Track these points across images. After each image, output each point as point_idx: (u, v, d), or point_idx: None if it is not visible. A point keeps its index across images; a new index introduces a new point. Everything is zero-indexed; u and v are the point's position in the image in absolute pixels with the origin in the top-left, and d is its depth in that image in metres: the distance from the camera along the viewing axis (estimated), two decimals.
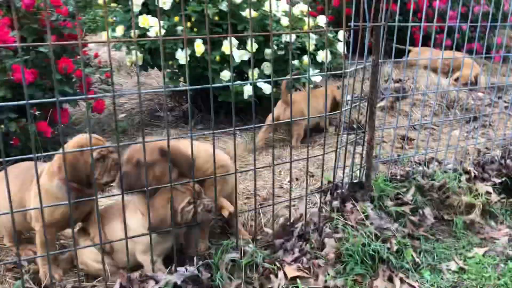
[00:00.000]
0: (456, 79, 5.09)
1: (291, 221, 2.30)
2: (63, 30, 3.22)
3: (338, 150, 2.37)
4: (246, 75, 4.03)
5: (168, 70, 3.89)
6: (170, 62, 3.74)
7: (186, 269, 1.99)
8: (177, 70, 3.88)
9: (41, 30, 3.14)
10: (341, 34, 4.27)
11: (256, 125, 2.08)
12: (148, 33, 3.68)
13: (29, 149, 2.94)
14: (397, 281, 2.14)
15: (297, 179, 2.28)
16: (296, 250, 2.22)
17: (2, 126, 2.74)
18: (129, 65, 4.05)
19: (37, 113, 2.88)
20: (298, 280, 2.02)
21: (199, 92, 4.24)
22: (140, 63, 3.85)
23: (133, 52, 3.79)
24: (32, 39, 3.08)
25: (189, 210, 2.01)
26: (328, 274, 2.12)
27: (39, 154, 1.79)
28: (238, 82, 3.83)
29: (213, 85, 1.89)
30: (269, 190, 2.87)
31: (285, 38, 3.81)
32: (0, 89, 2.67)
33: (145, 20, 3.66)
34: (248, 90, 3.74)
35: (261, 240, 2.32)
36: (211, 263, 2.04)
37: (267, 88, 3.83)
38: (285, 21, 3.93)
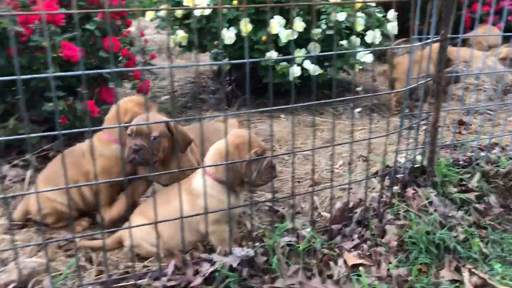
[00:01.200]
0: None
1: (350, 205, 2.18)
2: (111, 7, 3.16)
3: (399, 132, 2.21)
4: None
5: (213, 51, 3.79)
6: (215, 42, 3.64)
7: (242, 251, 1.90)
8: (221, 51, 3.78)
9: (88, 8, 3.09)
10: (391, 13, 4.06)
11: (295, 105, 1.94)
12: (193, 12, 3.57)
13: (76, 128, 2.92)
14: (465, 272, 1.99)
15: (349, 164, 2.16)
16: (355, 236, 2.10)
17: (51, 104, 2.71)
18: (173, 46, 3.96)
19: (84, 91, 2.84)
20: (360, 268, 1.90)
21: (243, 74, 4.13)
22: (184, 43, 3.76)
23: (178, 32, 3.70)
24: (79, 17, 3.03)
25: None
26: (391, 263, 1.99)
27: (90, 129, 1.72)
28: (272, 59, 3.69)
29: (249, 60, 1.75)
30: (320, 174, 2.75)
31: (334, 16, 3.64)
32: (51, 66, 2.62)
33: None
34: (295, 72, 3.61)
35: (317, 224, 2.20)
36: (266, 247, 1.95)
37: (313, 69, 3.68)
38: None
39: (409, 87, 2.21)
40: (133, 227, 1.95)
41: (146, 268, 1.99)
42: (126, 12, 3.36)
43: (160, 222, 1.84)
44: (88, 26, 2.95)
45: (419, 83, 2.27)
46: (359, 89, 4.44)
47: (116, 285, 1.83)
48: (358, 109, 4.00)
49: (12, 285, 1.75)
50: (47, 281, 1.75)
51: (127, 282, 1.85)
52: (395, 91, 3.91)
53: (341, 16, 3.68)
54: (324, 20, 3.70)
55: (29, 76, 1.59)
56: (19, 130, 2.73)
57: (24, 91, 2.77)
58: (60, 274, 1.88)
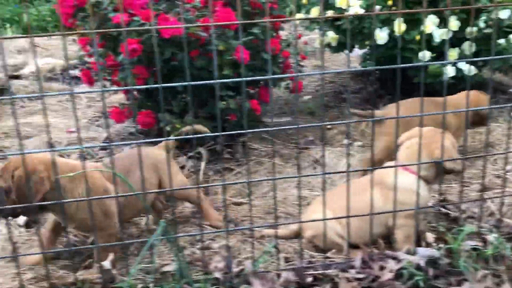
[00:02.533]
0: None
1: None
2: (272, 12, 3.35)
3: None
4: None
5: (363, 51, 3.83)
6: (367, 42, 3.68)
7: (426, 251, 1.93)
8: (370, 51, 3.81)
9: (251, 12, 3.31)
10: None
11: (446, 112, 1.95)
12: (346, 14, 3.65)
13: (240, 126, 3.16)
14: None
15: None
16: None
17: (224, 102, 2.96)
18: (319, 46, 4.08)
19: (252, 91, 3.06)
20: None
21: (388, 74, 4.11)
22: (334, 44, 3.85)
23: (328, 33, 3.80)
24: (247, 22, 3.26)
25: None
26: None
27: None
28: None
29: (400, 65, 1.78)
30: (491, 179, 2.67)
31: (495, 14, 3.47)
32: (225, 67, 2.88)
33: (344, 0, 3.63)
34: (449, 72, 3.51)
35: (502, 230, 2.14)
36: (450, 249, 1.96)
37: (469, 70, 3.55)
38: None
39: None
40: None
41: (328, 260, 2.11)
42: (284, 18, 3.55)
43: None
44: (254, 30, 3.16)
45: None
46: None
47: (304, 273, 1.97)
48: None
49: None
50: (249, 263, 1.94)
51: (315, 270, 1.99)
52: None
53: (504, 14, 3.49)
54: (483, 18, 3.54)
55: (198, 82, 1.80)
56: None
57: (199, 90, 3.06)
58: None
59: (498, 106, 3.75)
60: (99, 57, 3.03)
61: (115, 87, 3.00)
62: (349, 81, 4.58)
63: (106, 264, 1.89)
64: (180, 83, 1.68)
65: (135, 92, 3.27)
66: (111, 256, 1.96)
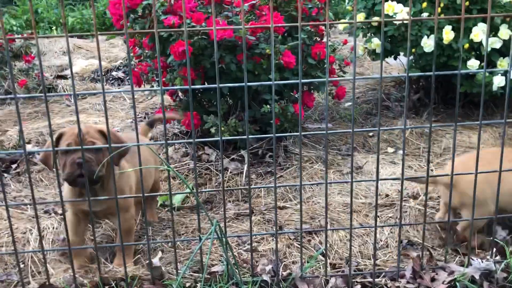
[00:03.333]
0: None
1: None
2: (317, 17, 3.34)
3: None
4: (495, 66, 3.68)
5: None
6: (413, 50, 3.62)
7: (481, 263, 1.87)
8: (417, 58, 3.74)
9: (296, 17, 3.31)
10: None
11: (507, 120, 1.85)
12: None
13: (283, 130, 3.15)
14: None
15: None
16: None
17: (268, 106, 2.97)
18: (362, 54, 4.04)
19: (296, 95, 3.05)
20: None
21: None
22: (378, 51, 3.80)
23: (373, 40, 3.77)
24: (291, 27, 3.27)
25: None
26: None
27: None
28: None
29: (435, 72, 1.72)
30: None
31: None
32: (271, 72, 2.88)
33: (390, 7, 3.59)
34: (498, 82, 3.42)
35: None
36: (507, 263, 1.89)
37: None
38: None
39: None
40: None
41: (377, 268, 2.07)
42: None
43: None
44: (302, 35, 3.16)
45: None
46: None
47: (353, 280, 1.94)
48: None
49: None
50: (297, 267, 1.93)
51: (363, 278, 1.95)
52: None
53: None
54: None
55: (254, 83, 1.84)
56: (238, 129, 3.04)
57: (243, 93, 3.07)
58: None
59: None
60: (147, 58, 3.08)
61: (148, 88, 3.03)
62: (390, 88, 4.51)
63: (155, 261, 1.92)
64: (236, 84, 1.69)
65: (180, 94, 3.32)
66: (160, 253, 1.98)
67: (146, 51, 3.23)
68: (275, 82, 1.80)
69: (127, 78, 5.04)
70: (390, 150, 3.40)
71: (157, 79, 3.07)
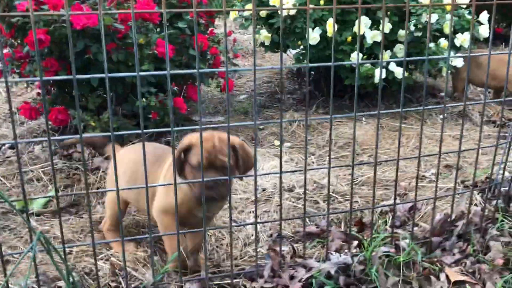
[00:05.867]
0: None
1: (452, 218, 2.07)
2: (199, 6, 3.21)
3: (510, 142, 2.08)
4: (377, 59, 3.78)
5: (295, 51, 3.76)
6: (299, 43, 3.61)
7: (339, 258, 1.86)
8: (304, 51, 3.74)
9: (179, 6, 3.16)
10: (483, 16, 3.85)
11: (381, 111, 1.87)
12: (278, 12, 3.57)
13: (164, 124, 2.99)
14: None
15: (456, 169, 2.05)
16: (456, 251, 1.99)
17: (144, 100, 2.79)
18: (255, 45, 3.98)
19: (175, 88, 2.90)
20: (467, 286, 1.79)
21: (322, 74, 4.07)
22: (267, 43, 3.76)
23: (262, 31, 3.71)
24: (170, 15, 3.10)
25: None
26: (496, 282, 1.87)
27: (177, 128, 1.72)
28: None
29: (334, 63, 1.70)
30: (411, 181, 2.65)
31: (425, 18, 3.50)
32: (145, 62, 2.71)
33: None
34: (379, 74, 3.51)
35: (416, 235, 2.11)
36: (364, 256, 1.89)
37: (399, 72, 3.56)
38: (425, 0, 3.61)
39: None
40: None
41: (238, 268, 1.99)
42: (214, 11, 3.41)
43: None
44: (180, 25, 3.01)
45: None
46: (443, 94, 4.25)
47: (211, 283, 1.84)
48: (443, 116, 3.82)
49: None
50: (149, 274, 1.79)
51: (221, 280, 1.86)
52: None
53: (432, 18, 3.53)
54: (413, 21, 3.56)
55: (116, 74, 1.65)
56: (114, 124, 2.84)
57: (119, 86, 2.87)
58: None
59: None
60: (6, 47, 2.78)
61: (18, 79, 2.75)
62: (284, 81, 4.51)
63: None
64: (96, 75, 1.50)
65: (48, 87, 3.03)
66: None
67: (8, 39, 2.91)
68: (141, 73, 1.58)
69: None
70: (277, 143, 3.37)
71: (17, 70, 2.77)
